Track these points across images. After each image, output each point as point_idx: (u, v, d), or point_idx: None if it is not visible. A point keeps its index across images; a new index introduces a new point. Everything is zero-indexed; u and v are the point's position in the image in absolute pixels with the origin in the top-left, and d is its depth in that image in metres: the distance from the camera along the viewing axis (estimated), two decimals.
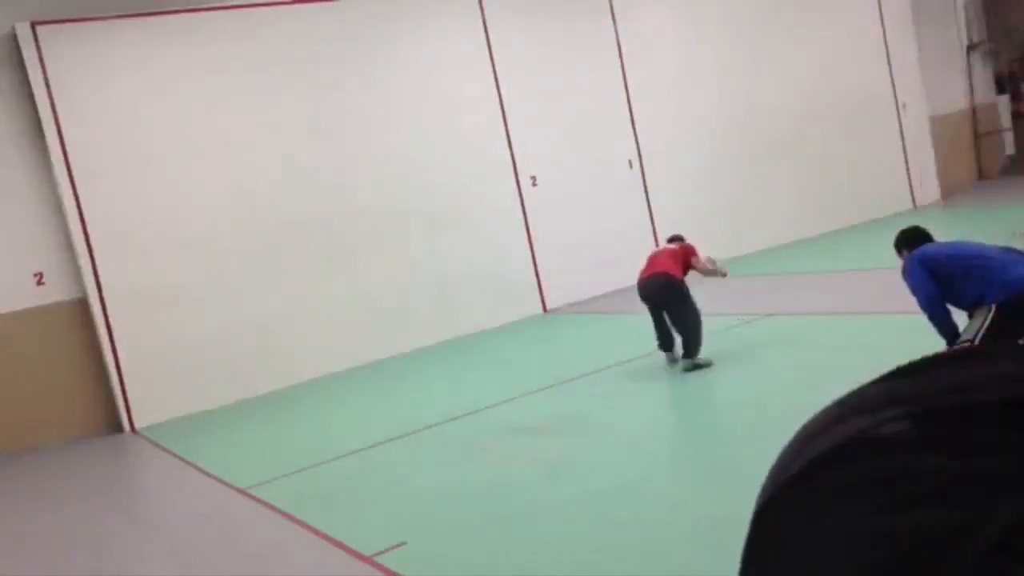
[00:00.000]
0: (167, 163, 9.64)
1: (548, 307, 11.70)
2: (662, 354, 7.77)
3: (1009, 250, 4.94)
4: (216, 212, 9.84)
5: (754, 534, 0.33)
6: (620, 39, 12.54)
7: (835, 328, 7.88)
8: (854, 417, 0.32)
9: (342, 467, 6.63)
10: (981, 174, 16.85)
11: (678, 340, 7.52)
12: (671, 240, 8.37)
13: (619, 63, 12.54)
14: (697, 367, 7.31)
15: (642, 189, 12.65)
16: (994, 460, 0.28)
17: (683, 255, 7.80)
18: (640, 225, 12.54)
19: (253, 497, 6.21)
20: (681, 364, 7.44)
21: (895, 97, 14.92)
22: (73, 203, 9.25)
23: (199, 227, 9.74)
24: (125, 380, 9.39)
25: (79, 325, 9.42)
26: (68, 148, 9.23)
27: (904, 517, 0.28)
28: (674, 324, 7.47)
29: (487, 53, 11.54)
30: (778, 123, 13.76)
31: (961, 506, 0.27)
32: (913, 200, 15.04)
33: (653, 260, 7.79)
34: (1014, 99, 17.12)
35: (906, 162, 15.02)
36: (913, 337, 4.70)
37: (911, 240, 5.25)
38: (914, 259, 5.00)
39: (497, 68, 11.58)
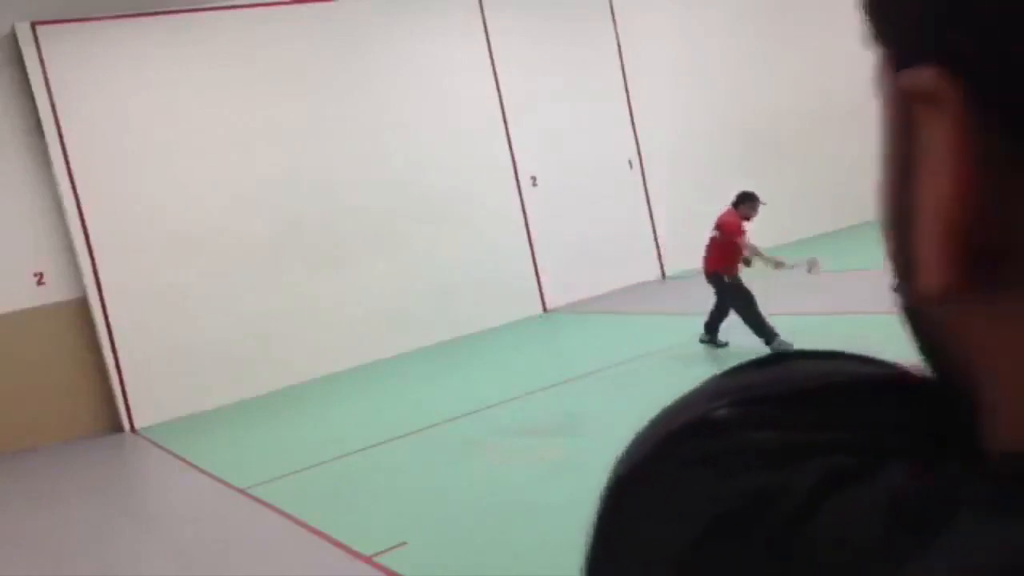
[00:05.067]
0: (167, 163, 9.64)
1: (548, 307, 11.70)
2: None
3: None
4: (216, 212, 9.84)
5: (605, 510, 0.39)
6: (620, 39, 12.54)
7: (835, 328, 7.88)
8: (691, 407, 0.38)
9: (342, 467, 6.63)
10: None
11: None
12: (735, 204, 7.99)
13: (619, 63, 12.54)
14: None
15: (642, 189, 12.65)
16: (802, 434, 0.34)
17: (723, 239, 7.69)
18: (640, 225, 12.54)
19: (253, 497, 6.21)
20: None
21: None
22: (73, 203, 9.25)
23: (199, 227, 9.74)
24: (125, 380, 9.39)
25: (79, 325, 9.42)
26: (68, 148, 9.23)
27: (733, 481, 0.34)
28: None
29: (487, 53, 11.54)
30: (778, 123, 13.77)
31: (776, 470, 0.33)
32: None
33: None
34: None
35: None
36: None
37: None
38: None
39: (497, 68, 11.58)
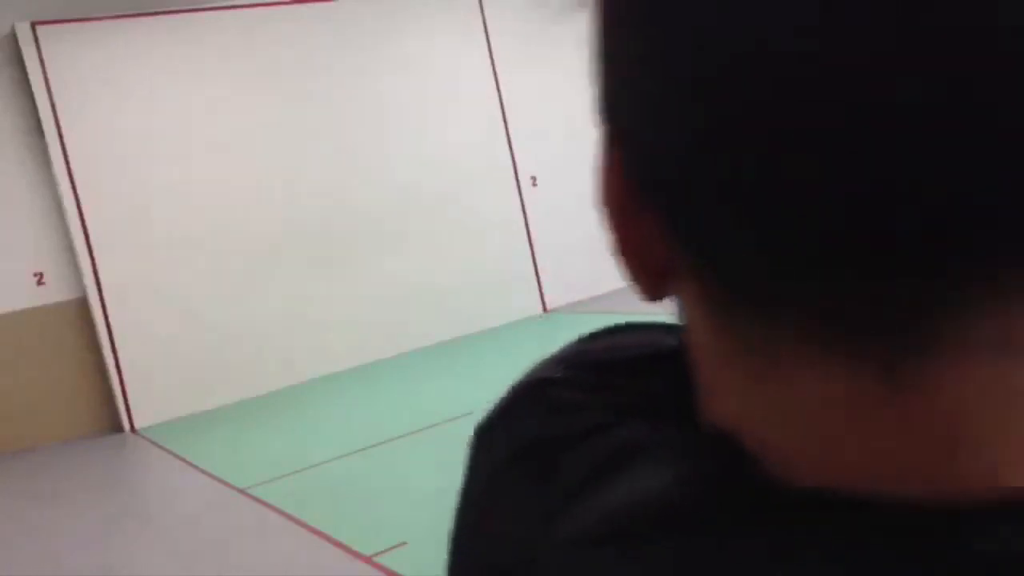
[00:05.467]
0: (167, 163, 9.64)
1: (548, 307, 11.70)
2: None
3: None
4: (216, 212, 9.83)
5: (468, 455, 0.47)
6: None
7: None
8: (544, 369, 0.46)
9: (342, 467, 6.63)
10: None
11: None
12: None
13: None
14: None
15: None
16: (595, 395, 0.41)
17: None
18: None
19: (253, 497, 6.21)
20: None
21: None
22: (73, 203, 9.25)
23: (199, 227, 9.74)
24: (125, 380, 9.39)
25: (79, 325, 9.43)
26: (68, 148, 9.23)
27: (550, 427, 0.41)
28: None
29: (487, 53, 11.54)
30: None
31: (563, 423, 0.40)
32: None
33: None
34: None
35: None
36: None
37: None
38: None
39: (497, 68, 11.59)
